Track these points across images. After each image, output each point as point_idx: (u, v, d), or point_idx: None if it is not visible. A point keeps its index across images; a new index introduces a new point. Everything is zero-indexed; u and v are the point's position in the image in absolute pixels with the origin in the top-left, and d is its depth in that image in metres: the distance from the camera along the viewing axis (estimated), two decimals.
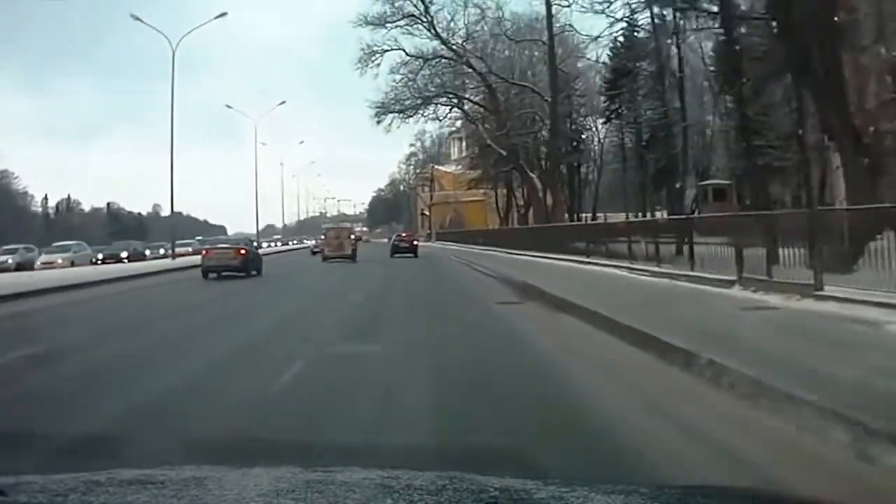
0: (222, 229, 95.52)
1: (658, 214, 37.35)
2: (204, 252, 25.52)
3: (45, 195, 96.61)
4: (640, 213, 39.95)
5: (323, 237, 38.97)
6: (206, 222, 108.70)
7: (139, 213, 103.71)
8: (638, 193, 41.23)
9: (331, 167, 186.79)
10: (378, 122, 42.56)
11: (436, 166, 76.78)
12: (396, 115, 42.27)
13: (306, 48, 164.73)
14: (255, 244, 32.11)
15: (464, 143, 67.32)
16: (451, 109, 45.03)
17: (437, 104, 43.55)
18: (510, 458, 3.89)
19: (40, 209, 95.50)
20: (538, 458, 3.96)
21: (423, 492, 1.48)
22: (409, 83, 41.30)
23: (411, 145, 77.11)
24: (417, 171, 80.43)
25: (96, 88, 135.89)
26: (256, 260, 25.72)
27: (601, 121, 45.10)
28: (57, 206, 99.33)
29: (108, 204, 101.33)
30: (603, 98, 43.02)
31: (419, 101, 42.20)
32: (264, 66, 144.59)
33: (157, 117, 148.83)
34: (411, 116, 42.81)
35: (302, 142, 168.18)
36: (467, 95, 43.80)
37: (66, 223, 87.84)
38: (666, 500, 1.58)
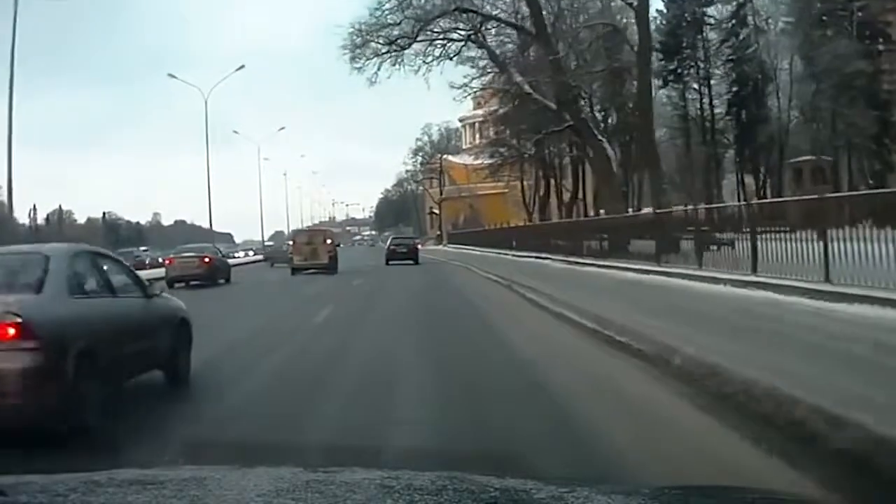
0: (229, 237, 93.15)
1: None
2: (167, 261, 25.30)
3: (33, 205, 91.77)
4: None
5: (291, 243, 29.19)
6: (210, 230, 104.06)
7: (138, 223, 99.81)
8: (710, 172, 32.21)
9: (338, 172, 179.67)
10: (356, 68, 28.25)
11: (446, 156, 67.78)
12: (384, 53, 27.83)
13: (305, 46, 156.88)
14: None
15: (477, 129, 58.67)
16: (464, 44, 28.60)
17: (446, 39, 28.21)
18: None
19: (28, 221, 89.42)
20: None
21: (423, 492, 1.47)
22: (402, 2, 26.68)
23: (418, 139, 69.64)
24: (425, 163, 71.29)
25: (92, 95, 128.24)
26: (224, 268, 25.73)
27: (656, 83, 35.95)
28: (47, 218, 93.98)
29: (104, 214, 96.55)
30: (659, 55, 34.21)
31: (416, 28, 27.14)
32: (265, 68, 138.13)
33: (158, 122, 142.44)
34: (405, 49, 27.58)
35: (303, 155, 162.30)
36: (494, 13, 27.85)
37: (57, 235, 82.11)
38: (666, 500, 1.56)
